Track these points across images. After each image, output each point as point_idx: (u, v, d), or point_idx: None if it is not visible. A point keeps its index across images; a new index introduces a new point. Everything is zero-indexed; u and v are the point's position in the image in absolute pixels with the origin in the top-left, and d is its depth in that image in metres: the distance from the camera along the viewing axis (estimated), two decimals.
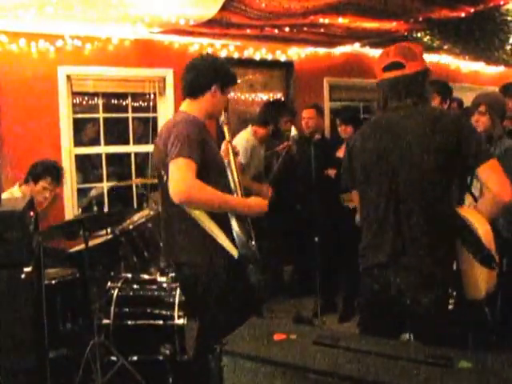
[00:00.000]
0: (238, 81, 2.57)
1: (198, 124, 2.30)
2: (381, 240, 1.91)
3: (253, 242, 2.33)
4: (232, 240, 2.28)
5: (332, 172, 4.15)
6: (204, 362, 2.27)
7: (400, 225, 1.86)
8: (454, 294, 1.82)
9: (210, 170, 2.28)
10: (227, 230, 2.28)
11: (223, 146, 2.70)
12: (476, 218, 1.83)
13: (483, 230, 1.80)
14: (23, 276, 2.00)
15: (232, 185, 2.47)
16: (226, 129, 2.66)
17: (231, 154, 2.54)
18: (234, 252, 2.25)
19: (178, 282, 2.66)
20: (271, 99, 5.33)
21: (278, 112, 4.05)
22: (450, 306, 1.81)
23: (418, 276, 1.82)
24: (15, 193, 3.40)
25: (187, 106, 2.43)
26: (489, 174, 1.83)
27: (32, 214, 2.29)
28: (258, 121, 4.06)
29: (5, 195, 3.37)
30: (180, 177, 2.11)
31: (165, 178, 2.26)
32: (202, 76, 2.38)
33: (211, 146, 2.34)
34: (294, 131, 4.62)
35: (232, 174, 2.50)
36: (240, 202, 2.32)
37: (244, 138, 3.93)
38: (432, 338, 1.70)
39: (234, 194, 2.43)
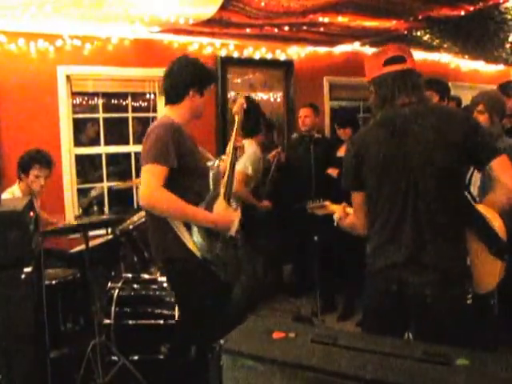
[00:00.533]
0: (217, 79, 2.59)
1: (174, 128, 2.30)
2: (397, 239, 1.89)
3: (219, 244, 2.33)
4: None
5: (334, 171, 4.15)
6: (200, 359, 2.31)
7: (420, 222, 1.85)
8: (470, 289, 1.84)
9: (186, 173, 2.30)
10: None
11: (228, 147, 2.73)
12: (489, 212, 1.87)
13: (497, 223, 1.85)
14: (23, 276, 2.00)
15: (222, 187, 2.48)
16: (236, 119, 2.68)
17: (230, 157, 2.56)
18: (198, 253, 2.27)
19: (169, 279, 2.67)
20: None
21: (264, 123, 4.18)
22: (469, 301, 1.83)
23: (438, 273, 1.82)
24: (16, 191, 3.43)
25: (168, 111, 2.45)
26: (502, 168, 1.86)
27: (32, 214, 2.29)
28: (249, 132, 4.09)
29: (5, 195, 3.39)
30: (145, 183, 2.18)
31: None
32: (178, 83, 2.39)
33: (188, 149, 2.35)
34: (295, 134, 4.66)
35: (224, 176, 2.52)
36: (205, 216, 2.28)
37: (253, 150, 3.97)
38: (454, 334, 1.73)
39: (217, 198, 2.43)
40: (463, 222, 1.87)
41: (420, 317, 1.86)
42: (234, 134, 2.64)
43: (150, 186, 2.16)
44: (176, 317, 3.03)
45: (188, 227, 2.27)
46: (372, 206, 2.00)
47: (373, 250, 1.98)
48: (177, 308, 3.02)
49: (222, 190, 2.45)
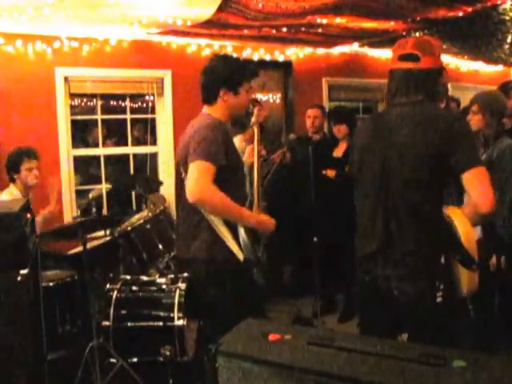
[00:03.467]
0: (258, 74, 2.59)
1: (222, 127, 2.33)
2: (370, 232, 1.94)
3: (260, 248, 2.37)
4: (239, 245, 2.32)
5: (331, 173, 4.14)
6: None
7: (388, 220, 1.88)
8: (442, 287, 1.81)
9: (231, 174, 2.32)
10: (236, 234, 2.32)
11: (248, 149, 2.75)
12: (459, 218, 1.80)
13: (464, 232, 1.77)
14: (19, 278, 1.99)
15: (251, 189, 2.51)
16: (255, 130, 2.69)
17: (256, 167, 2.59)
18: (240, 256, 2.28)
19: (191, 278, 2.70)
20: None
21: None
22: (439, 299, 1.81)
23: (403, 268, 1.84)
24: (14, 191, 3.44)
25: (208, 109, 2.46)
26: (472, 182, 1.79)
27: (29, 215, 2.28)
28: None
29: (4, 196, 3.39)
30: (195, 178, 2.17)
31: (183, 175, 2.31)
32: (208, 84, 2.41)
33: (233, 150, 2.38)
34: (292, 135, 4.64)
35: (253, 178, 2.57)
36: (252, 215, 2.34)
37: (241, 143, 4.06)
38: (420, 330, 1.73)
39: (248, 199, 2.49)
40: (432, 227, 1.85)
41: (391, 308, 1.88)
42: (255, 144, 2.65)
43: (200, 182, 2.17)
44: (176, 318, 3.02)
45: (231, 228, 2.29)
46: (355, 197, 2.06)
47: (356, 240, 2.06)
48: (176, 309, 3.02)
49: (255, 199, 2.49)
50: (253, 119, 2.70)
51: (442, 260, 1.85)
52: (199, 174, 2.17)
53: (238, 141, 4.07)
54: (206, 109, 2.46)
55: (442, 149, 1.80)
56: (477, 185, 1.79)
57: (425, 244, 1.84)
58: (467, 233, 1.77)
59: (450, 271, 1.84)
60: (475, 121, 2.98)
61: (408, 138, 1.85)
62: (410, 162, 1.83)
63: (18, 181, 3.48)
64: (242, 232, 2.28)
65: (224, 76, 2.39)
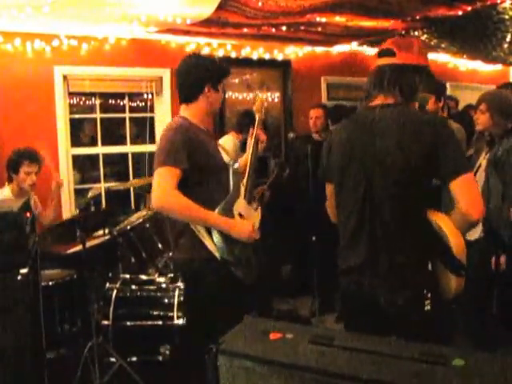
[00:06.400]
0: (231, 72, 2.56)
1: (183, 128, 2.30)
2: (356, 242, 1.87)
3: (238, 246, 2.28)
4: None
5: None
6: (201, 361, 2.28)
7: (374, 229, 1.82)
8: (429, 295, 1.77)
9: (205, 175, 2.29)
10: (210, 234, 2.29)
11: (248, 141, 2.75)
12: (449, 227, 1.73)
13: (455, 240, 1.71)
14: (19, 277, 1.99)
15: (242, 186, 2.46)
16: (258, 116, 2.70)
17: (251, 152, 2.57)
18: (217, 254, 2.24)
19: (184, 279, 2.68)
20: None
21: (251, 122, 4.10)
22: (427, 307, 1.77)
23: (391, 278, 1.79)
24: (5, 192, 3.41)
25: (184, 110, 2.44)
26: (461, 190, 1.72)
27: (28, 214, 2.28)
28: (234, 127, 4.37)
29: None
30: (157, 186, 2.16)
31: None
32: (192, 81, 2.38)
33: (204, 148, 2.33)
34: (291, 133, 4.63)
35: (243, 175, 2.50)
36: (221, 221, 2.23)
37: (232, 140, 4.22)
38: (409, 339, 1.69)
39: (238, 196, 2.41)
40: (420, 235, 1.79)
41: (377, 318, 1.82)
42: (255, 130, 2.64)
43: (161, 189, 2.15)
44: (175, 317, 3.02)
45: (207, 228, 2.25)
46: (337, 204, 1.99)
47: (340, 250, 1.99)
48: (175, 308, 3.01)
49: (242, 190, 2.43)
50: (255, 107, 2.70)
51: (429, 267, 1.80)
52: (159, 182, 2.15)
53: (229, 140, 4.19)
54: (183, 110, 2.44)
55: (428, 156, 1.74)
56: (465, 193, 1.72)
57: (412, 254, 1.78)
58: (456, 238, 1.71)
59: (436, 277, 1.79)
60: (482, 120, 2.97)
61: (392, 145, 1.77)
62: (395, 170, 1.76)
63: (14, 181, 3.45)
64: (214, 232, 2.22)
65: (210, 72, 2.39)
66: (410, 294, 1.77)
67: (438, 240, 1.73)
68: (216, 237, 2.22)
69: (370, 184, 1.81)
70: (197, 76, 2.38)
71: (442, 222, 1.75)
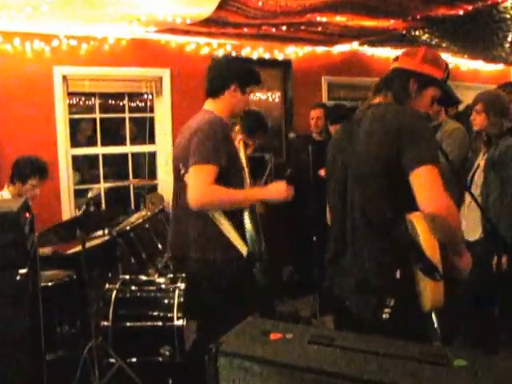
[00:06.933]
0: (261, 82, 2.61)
1: (223, 124, 2.33)
2: (331, 237, 1.91)
3: (262, 239, 2.40)
4: (243, 238, 2.32)
5: (323, 172, 4.14)
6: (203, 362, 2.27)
7: (344, 226, 1.82)
8: (391, 303, 1.64)
9: (232, 169, 2.33)
10: (239, 228, 2.33)
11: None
12: (422, 226, 1.55)
13: (425, 238, 1.53)
14: (18, 278, 1.98)
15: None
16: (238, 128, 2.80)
17: (242, 152, 2.63)
18: (244, 249, 2.27)
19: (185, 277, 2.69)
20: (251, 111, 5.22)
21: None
22: (385, 316, 1.65)
23: (353, 279, 1.76)
24: (5, 196, 3.37)
25: (210, 105, 2.46)
26: (420, 183, 1.59)
27: (27, 215, 2.27)
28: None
29: None
30: (195, 184, 2.18)
31: (182, 171, 2.30)
32: (221, 75, 2.43)
33: (234, 145, 2.40)
34: (291, 133, 4.62)
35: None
36: (260, 191, 2.41)
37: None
38: None
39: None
40: (389, 235, 1.68)
41: (346, 316, 1.82)
42: (238, 131, 2.69)
43: (200, 187, 2.17)
44: (175, 318, 3.00)
45: (234, 221, 2.28)
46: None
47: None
48: (175, 309, 3.00)
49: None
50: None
51: (398, 275, 1.67)
52: (198, 180, 2.18)
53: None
54: (208, 104, 2.46)
55: (391, 148, 1.66)
56: (423, 186, 1.59)
57: (378, 256, 1.71)
58: (428, 239, 1.53)
59: (407, 287, 1.63)
60: (479, 120, 2.98)
61: (364, 142, 1.76)
62: (366, 167, 1.72)
63: (16, 186, 3.36)
64: (247, 220, 2.31)
65: (240, 72, 2.45)
66: (368, 298, 1.71)
67: (410, 239, 1.59)
68: (248, 225, 2.31)
69: (345, 181, 1.83)
70: (226, 72, 2.43)
71: (416, 220, 1.60)
